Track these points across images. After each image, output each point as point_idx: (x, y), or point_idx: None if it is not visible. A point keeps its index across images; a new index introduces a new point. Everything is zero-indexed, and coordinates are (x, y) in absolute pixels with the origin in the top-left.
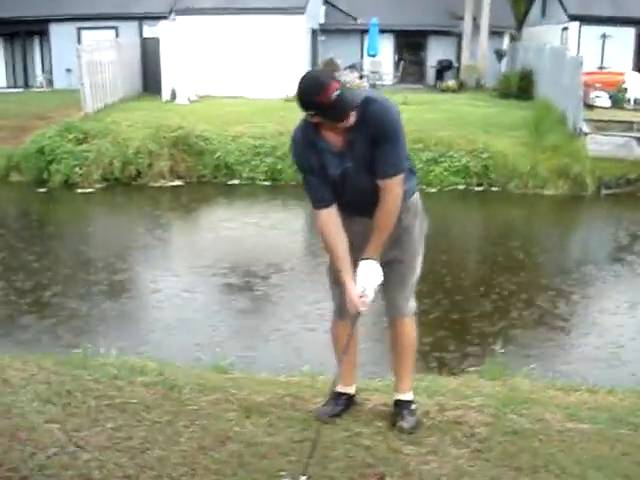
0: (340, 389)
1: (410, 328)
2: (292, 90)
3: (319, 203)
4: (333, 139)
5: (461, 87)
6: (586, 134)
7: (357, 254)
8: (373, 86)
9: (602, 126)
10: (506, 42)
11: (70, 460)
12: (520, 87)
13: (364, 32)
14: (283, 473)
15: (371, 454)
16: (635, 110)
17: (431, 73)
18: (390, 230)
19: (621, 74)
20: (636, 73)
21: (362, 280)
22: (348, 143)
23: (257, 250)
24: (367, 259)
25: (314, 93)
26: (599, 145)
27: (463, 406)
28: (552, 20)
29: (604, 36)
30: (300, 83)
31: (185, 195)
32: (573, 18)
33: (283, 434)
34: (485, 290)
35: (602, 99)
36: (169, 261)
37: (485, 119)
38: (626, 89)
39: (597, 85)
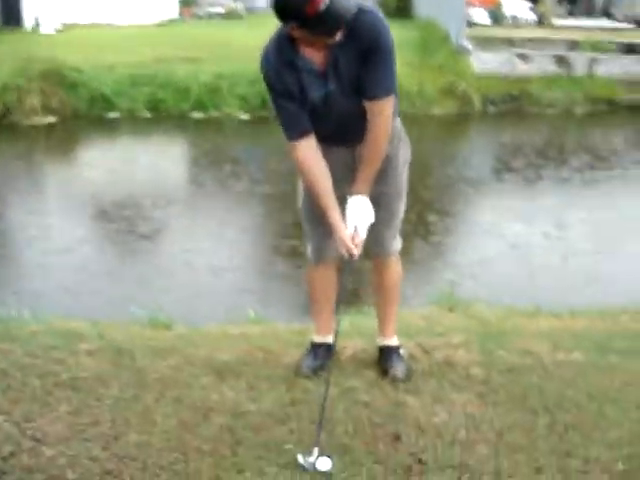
0: (318, 339)
1: (397, 268)
2: (166, 14)
3: (297, 133)
4: (314, 56)
5: None
6: (470, 51)
7: (339, 189)
8: (246, 9)
9: (485, 44)
10: None
11: (32, 459)
12: (399, 7)
13: None
14: (290, 446)
15: (374, 411)
16: (514, 27)
17: None
18: (382, 159)
19: None
20: None
21: (353, 219)
22: (333, 60)
23: (145, 186)
24: (356, 195)
25: (299, 1)
26: (483, 62)
27: (445, 345)
28: None
29: None
30: None
31: (60, 132)
32: None
33: (269, 398)
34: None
35: (482, 16)
36: (46, 204)
37: None
38: (502, 5)
39: (476, 3)
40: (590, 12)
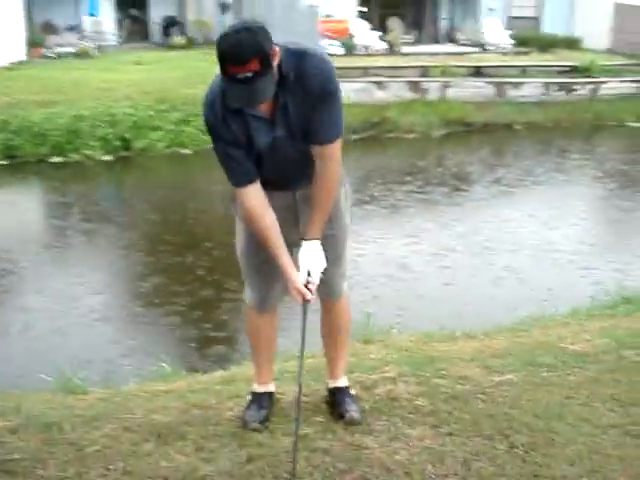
0: (261, 389)
1: (347, 308)
2: (13, 55)
3: (243, 179)
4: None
5: (190, 43)
6: None
7: (282, 234)
8: (98, 48)
9: (342, 73)
10: None
11: None
12: None
13: None
14: None
15: (336, 457)
16: (367, 55)
17: (156, 30)
18: (333, 202)
19: (345, 21)
20: (360, 20)
21: (306, 264)
22: (281, 106)
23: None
24: (309, 239)
25: (262, 39)
26: (342, 92)
27: (382, 379)
28: None
29: None
30: (236, 30)
31: None
32: None
33: (223, 457)
34: None
35: (334, 47)
36: None
37: None
38: (353, 36)
39: (327, 33)
40: (436, 38)
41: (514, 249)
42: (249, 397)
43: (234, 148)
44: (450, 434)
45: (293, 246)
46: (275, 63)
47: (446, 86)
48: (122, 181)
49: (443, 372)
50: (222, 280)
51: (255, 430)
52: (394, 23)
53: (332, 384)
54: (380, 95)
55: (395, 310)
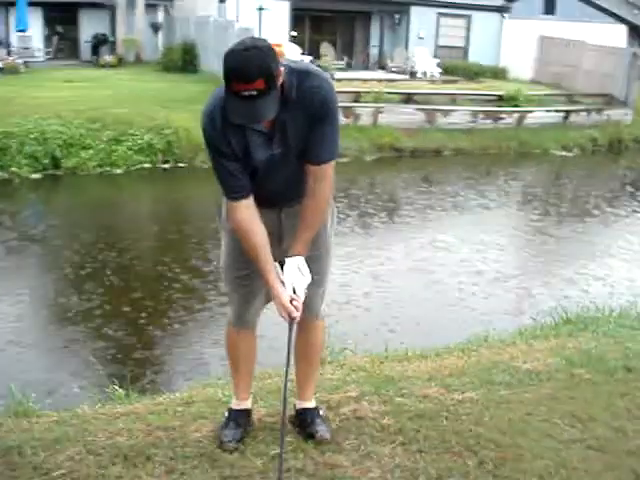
0: (238, 406)
1: (324, 329)
2: None
3: (238, 193)
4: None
5: (120, 62)
6: None
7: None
8: (25, 64)
9: None
10: (161, 15)
11: None
12: (185, 60)
13: (10, 4)
14: None
15: (310, 476)
16: None
17: (86, 48)
18: (322, 222)
19: (280, 45)
20: (292, 44)
21: (291, 280)
22: (280, 124)
23: None
24: (294, 256)
25: (270, 59)
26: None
27: (347, 399)
28: None
29: (261, 8)
30: (242, 48)
31: None
32: None
33: (195, 479)
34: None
35: None
36: None
37: (158, 94)
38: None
39: None
40: (366, 65)
41: (449, 272)
42: (226, 414)
43: (231, 161)
44: (420, 451)
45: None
46: (279, 83)
47: (378, 112)
48: (50, 200)
49: (405, 391)
50: (150, 302)
51: (228, 450)
52: (327, 49)
53: (301, 405)
54: None
55: (341, 332)
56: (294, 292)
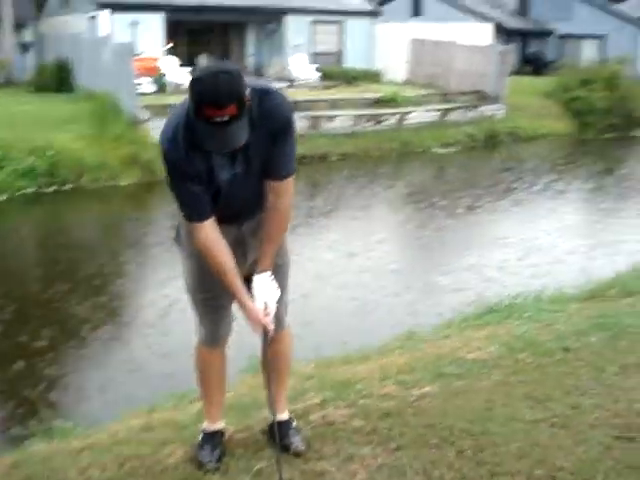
0: (212, 427)
1: (291, 341)
2: None
3: (202, 215)
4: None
5: None
6: (145, 120)
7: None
8: None
9: (158, 111)
10: (30, 34)
11: None
12: (59, 79)
13: None
14: None
15: None
16: (179, 93)
17: None
18: (284, 236)
19: (156, 59)
20: (170, 57)
21: (262, 295)
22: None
23: None
24: (261, 271)
25: (240, 83)
26: (159, 130)
27: (313, 405)
28: (77, 9)
29: (135, 23)
30: (214, 72)
31: None
32: (102, 6)
33: None
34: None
35: (147, 85)
36: None
37: (35, 115)
38: (164, 74)
39: (138, 72)
40: (244, 74)
41: (352, 275)
42: (200, 437)
43: (194, 184)
44: (399, 448)
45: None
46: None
47: None
48: None
49: (364, 392)
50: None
51: (210, 471)
52: (204, 60)
53: (277, 418)
54: None
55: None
56: (265, 307)
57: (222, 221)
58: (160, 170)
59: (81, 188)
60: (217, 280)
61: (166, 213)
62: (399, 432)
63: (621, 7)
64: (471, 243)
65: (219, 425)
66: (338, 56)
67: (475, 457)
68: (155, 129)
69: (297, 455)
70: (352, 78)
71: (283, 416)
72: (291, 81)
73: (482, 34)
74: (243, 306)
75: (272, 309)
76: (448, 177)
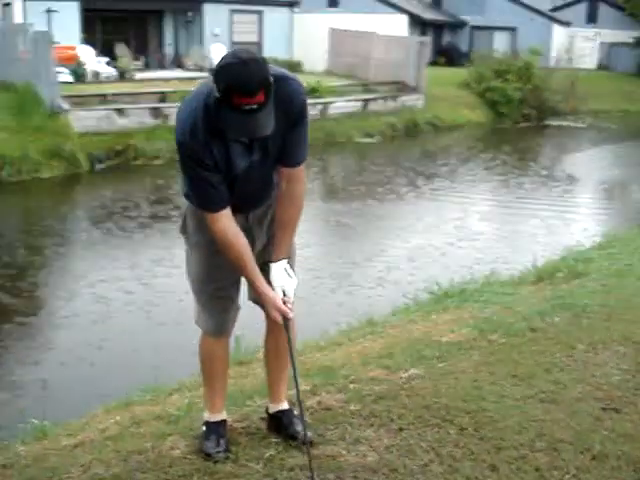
0: (216, 417)
1: (295, 332)
2: None
3: (218, 205)
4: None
5: None
6: (67, 111)
7: None
8: None
9: (80, 101)
10: None
11: None
12: None
13: None
14: None
15: (321, 470)
16: (97, 83)
17: None
18: (298, 223)
19: (73, 48)
20: (86, 46)
21: (281, 283)
22: None
23: None
24: (278, 260)
25: (267, 69)
26: (82, 120)
27: (304, 393)
28: None
29: (49, 10)
30: (243, 60)
31: None
32: None
33: None
34: None
35: (64, 75)
36: None
37: None
38: (84, 63)
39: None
40: (162, 64)
41: None
42: (204, 428)
43: (213, 173)
44: (401, 429)
45: None
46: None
47: None
48: None
49: (352, 377)
50: None
51: (220, 460)
52: (122, 49)
53: (276, 407)
54: (122, 122)
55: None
56: (284, 294)
57: (236, 210)
58: (84, 162)
59: (1, 181)
60: (226, 271)
61: (88, 207)
62: (398, 414)
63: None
64: (401, 230)
65: (222, 415)
66: (257, 46)
67: (477, 434)
68: (76, 120)
69: (304, 443)
70: None
71: (285, 405)
72: (212, 71)
73: (397, 25)
74: (263, 294)
75: (291, 295)
76: (373, 167)
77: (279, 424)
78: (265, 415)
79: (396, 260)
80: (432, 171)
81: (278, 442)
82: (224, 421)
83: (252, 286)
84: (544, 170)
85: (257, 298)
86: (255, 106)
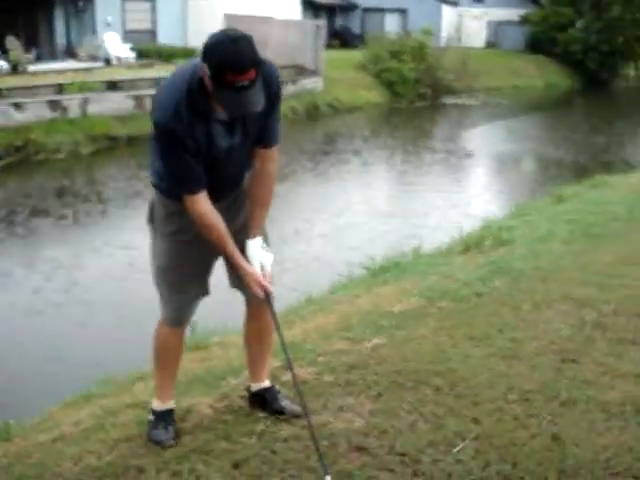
0: (164, 406)
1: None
2: None
3: (197, 186)
4: (221, 107)
5: None
6: None
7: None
8: None
9: None
10: None
11: None
12: None
13: None
14: None
15: (321, 437)
16: None
17: None
18: (271, 201)
19: None
20: None
21: (259, 259)
22: None
23: None
24: (256, 237)
25: (254, 47)
26: None
27: (276, 369)
28: None
29: None
30: (234, 39)
31: None
32: None
33: (211, 472)
34: None
35: None
36: None
37: None
38: None
39: None
40: (54, 55)
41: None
42: (151, 417)
43: (192, 155)
44: (380, 395)
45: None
46: None
47: (86, 102)
48: None
49: (318, 351)
50: None
51: (169, 446)
52: (12, 42)
53: (259, 386)
54: (20, 117)
55: None
56: (262, 269)
57: (211, 196)
58: None
59: None
60: (192, 262)
61: None
62: (372, 381)
63: None
64: (314, 212)
65: (171, 404)
66: (151, 34)
67: (453, 392)
68: None
69: (296, 416)
70: (168, 56)
71: (267, 383)
72: (107, 60)
73: (290, 9)
74: (243, 271)
75: (269, 271)
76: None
77: (263, 401)
78: (246, 394)
79: (316, 241)
80: (335, 153)
81: (266, 417)
82: (172, 410)
83: (233, 264)
84: (443, 147)
85: (238, 283)
86: (247, 83)
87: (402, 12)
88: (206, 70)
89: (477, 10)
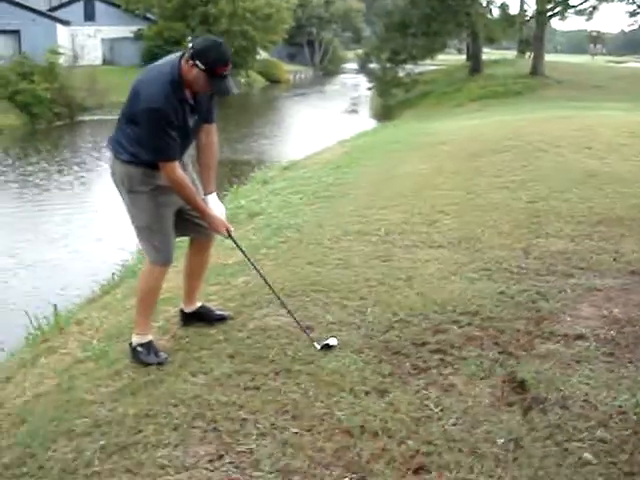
0: (147, 338)
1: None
2: None
3: (176, 154)
4: (188, 94)
5: None
6: None
7: (176, 200)
8: None
9: None
10: None
11: None
12: None
13: None
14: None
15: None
16: None
17: None
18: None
19: None
20: None
21: (220, 209)
22: (198, 97)
23: None
24: (210, 193)
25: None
26: None
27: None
28: None
29: None
30: (219, 43)
31: None
32: None
33: (216, 368)
34: None
35: None
36: None
37: None
38: None
39: None
40: None
41: None
42: (140, 349)
43: (175, 130)
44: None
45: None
46: None
47: None
48: None
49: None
50: None
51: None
52: None
53: (192, 307)
54: None
55: None
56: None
57: None
58: None
59: None
60: (168, 209)
61: None
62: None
63: (31, 0)
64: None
65: (151, 335)
66: None
67: (389, 308)
68: None
69: (231, 318)
70: None
71: (200, 302)
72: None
73: None
74: (211, 217)
75: (224, 217)
76: None
77: (201, 316)
78: (180, 315)
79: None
80: None
81: (212, 325)
82: (152, 340)
83: (202, 214)
84: (83, 165)
85: (184, 229)
86: (227, 72)
87: (15, 33)
88: (200, 65)
89: (89, 28)
